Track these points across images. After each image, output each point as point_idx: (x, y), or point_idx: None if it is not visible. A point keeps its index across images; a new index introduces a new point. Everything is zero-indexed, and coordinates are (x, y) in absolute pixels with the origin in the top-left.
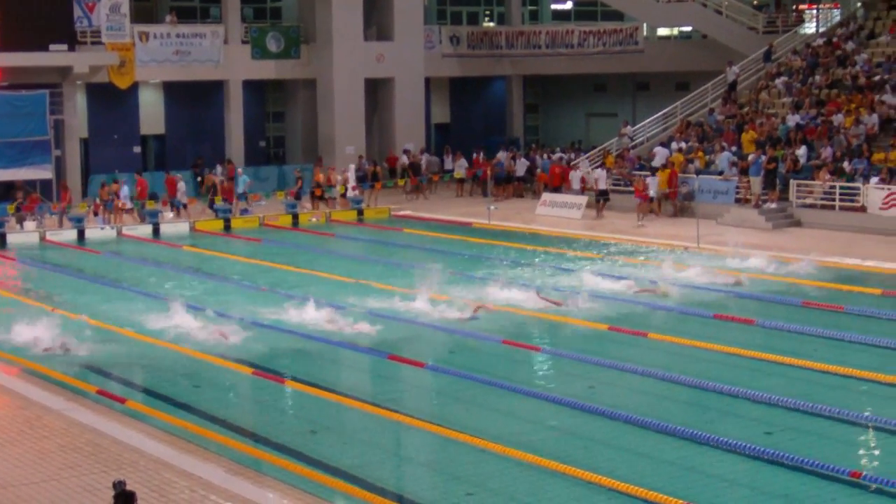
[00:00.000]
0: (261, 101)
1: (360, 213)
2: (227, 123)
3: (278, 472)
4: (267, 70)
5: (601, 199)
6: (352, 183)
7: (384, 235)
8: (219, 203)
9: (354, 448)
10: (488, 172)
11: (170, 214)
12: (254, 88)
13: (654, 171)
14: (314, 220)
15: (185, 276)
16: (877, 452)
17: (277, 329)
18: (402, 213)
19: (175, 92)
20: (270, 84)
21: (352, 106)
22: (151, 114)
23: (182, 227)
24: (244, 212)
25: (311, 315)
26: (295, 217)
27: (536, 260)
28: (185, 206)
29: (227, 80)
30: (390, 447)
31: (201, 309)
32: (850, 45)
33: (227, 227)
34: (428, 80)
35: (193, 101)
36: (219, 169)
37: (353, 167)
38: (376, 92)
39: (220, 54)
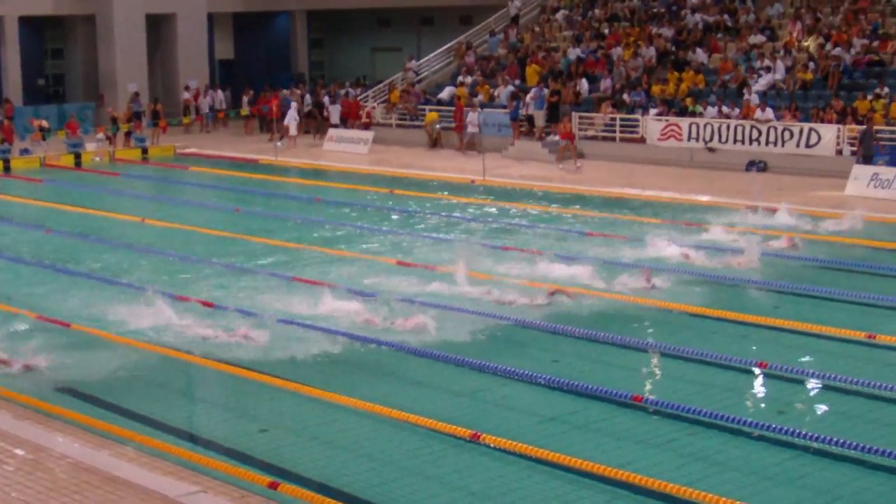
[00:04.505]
0: (38, 38)
1: (145, 151)
2: (2, 61)
3: (67, 418)
4: (43, 5)
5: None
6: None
7: (170, 174)
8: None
9: (145, 390)
10: (274, 109)
11: None
12: (30, 25)
13: (440, 103)
14: (97, 159)
15: None
16: (658, 377)
17: (65, 272)
18: (187, 150)
19: None
20: (48, 20)
21: (133, 42)
22: None
23: None
24: (24, 151)
25: (101, 255)
26: (77, 157)
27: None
28: None
29: (1, 16)
30: (181, 388)
31: None
32: None
33: (7, 168)
34: (211, 16)
35: None
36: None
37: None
38: (158, 28)
39: None
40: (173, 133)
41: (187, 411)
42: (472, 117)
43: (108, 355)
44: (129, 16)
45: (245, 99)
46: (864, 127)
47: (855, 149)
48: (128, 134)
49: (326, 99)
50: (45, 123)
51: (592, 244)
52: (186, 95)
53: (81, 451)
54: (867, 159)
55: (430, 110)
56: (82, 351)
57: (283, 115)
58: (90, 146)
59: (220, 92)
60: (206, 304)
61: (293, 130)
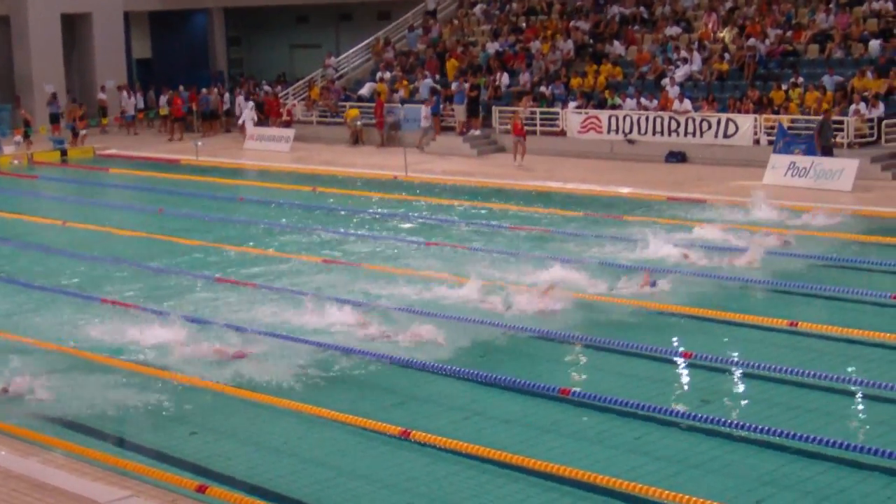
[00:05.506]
0: None
1: (64, 153)
2: None
3: None
4: None
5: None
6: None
7: (90, 176)
8: None
9: (71, 396)
10: (194, 108)
11: None
12: None
13: (360, 100)
14: (16, 162)
15: None
16: (584, 370)
17: None
18: (107, 152)
19: None
20: None
21: (49, 43)
22: None
23: None
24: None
25: (20, 259)
26: None
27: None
28: None
29: None
30: (108, 393)
31: None
32: None
33: None
34: (127, 15)
35: None
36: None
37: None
38: (74, 28)
39: None
40: (90, 134)
41: (115, 416)
42: (425, 111)
43: (32, 361)
44: (44, 16)
45: (164, 98)
46: (822, 118)
47: (773, 138)
48: (74, 131)
49: (241, 98)
50: None
51: (515, 238)
52: (102, 96)
53: (9, 459)
54: (827, 151)
55: (351, 107)
56: (5, 357)
57: (205, 114)
58: (7, 149)
59: (124, 92)
60: (129, 306)
61: (250, 129)
